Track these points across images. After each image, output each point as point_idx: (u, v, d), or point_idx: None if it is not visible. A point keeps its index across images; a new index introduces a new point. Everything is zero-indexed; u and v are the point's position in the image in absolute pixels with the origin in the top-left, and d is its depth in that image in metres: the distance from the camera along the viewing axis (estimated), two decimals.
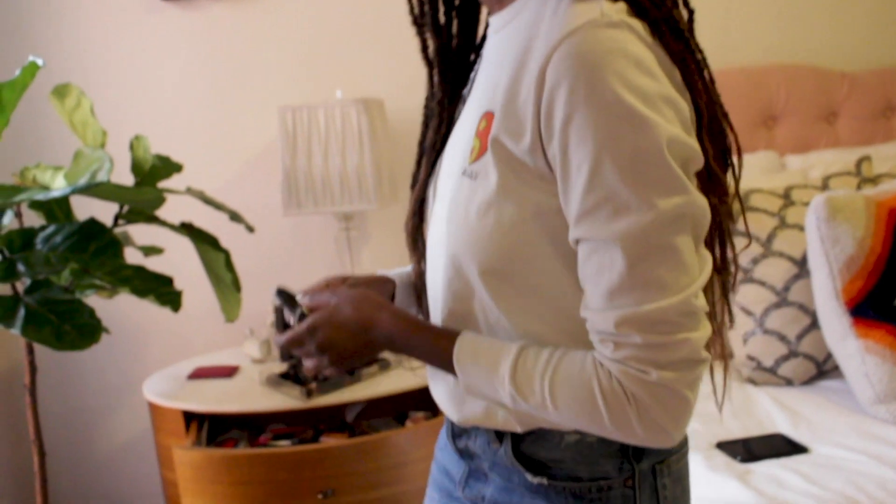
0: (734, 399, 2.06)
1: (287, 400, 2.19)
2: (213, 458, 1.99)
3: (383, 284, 1.16)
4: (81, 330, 1.86)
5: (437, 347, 0.94)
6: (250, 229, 2.23)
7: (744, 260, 2.17)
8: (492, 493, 1.01)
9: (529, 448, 0.96)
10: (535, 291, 0.90)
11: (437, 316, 1.02)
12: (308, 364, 1.02)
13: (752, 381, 2.16)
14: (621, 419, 0.82)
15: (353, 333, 0.96)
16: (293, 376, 2.27)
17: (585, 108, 0.78)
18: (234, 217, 2.19)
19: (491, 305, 0.93)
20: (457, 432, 1.06)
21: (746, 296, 2.16)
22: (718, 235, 0.94)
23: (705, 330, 0.82)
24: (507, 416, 0.95)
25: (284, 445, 2.23)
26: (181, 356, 2.71)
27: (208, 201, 2.15)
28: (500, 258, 0.89)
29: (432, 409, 2.40)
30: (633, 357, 0.81)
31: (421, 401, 2.40)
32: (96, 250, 1.87)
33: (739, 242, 1.03)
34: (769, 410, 1.99)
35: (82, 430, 2.76)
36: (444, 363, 0.94)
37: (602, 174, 0.78)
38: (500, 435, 0.98)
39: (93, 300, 2.30)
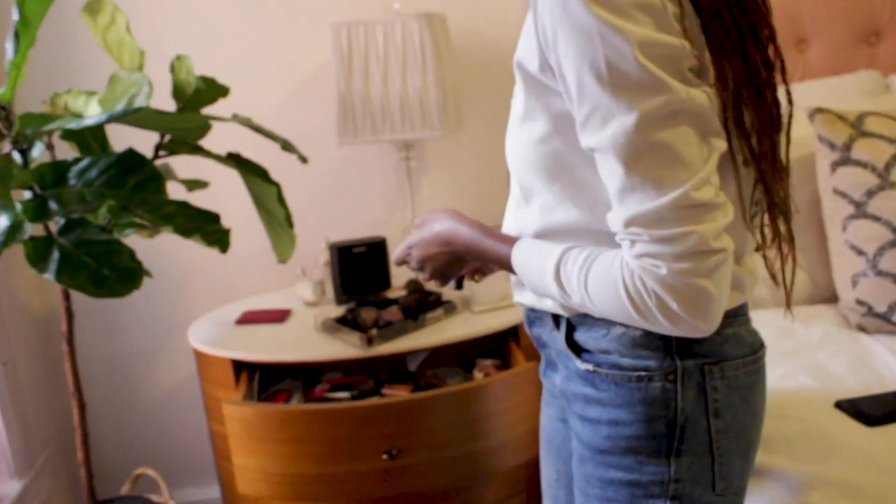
0: (847, 350, 1.83)
1: (345, 348, 2.00)
2: (266, 413, 1.81)
3: None
4: (121, 274, 1.68)
5: (501, 253, 1.05)
6: (303, 160, 2.02)
7: (856, 192, 1.92)
8: (560, 381, 1.10)
9: (581, 337, 1.03)
10: (581, 190, 0.98)
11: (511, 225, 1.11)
12: (419, 277, 1.21)
13: (863, 329, 1.93)
14: (646, 313, 0.86)
15: (440, 246, 1.11)
16: (351, 321, 2.08)
17: (561, 27, 0.84)
18: (286, 146, 1.99)
19: (549, 207, 1.01)
20: (530, 319, 1.15)
21: (858, 233, 1.91)
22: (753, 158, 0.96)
23: (714, 221, 0.84)
24: (555, 303, 1.03)
25: (343, 398, 2.05)
26: (228, 299, 2.52)
27: (257, 129, 1.94)
28: (544, 167, 0.99)
29: (500, 356, 2.20)
30: (645, 253, 0.85)
31: (488, 348, 2.20)
32: (136, 185, 1.68)
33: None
34: (888, 363, 1.75)
35: (124, 380, 2.60)
36: (508, 266, 1.04)
37: (585, 86, 0.85)
38: (557, 322, 1.06)
39: (132, 240, 2.10)
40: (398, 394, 2.02)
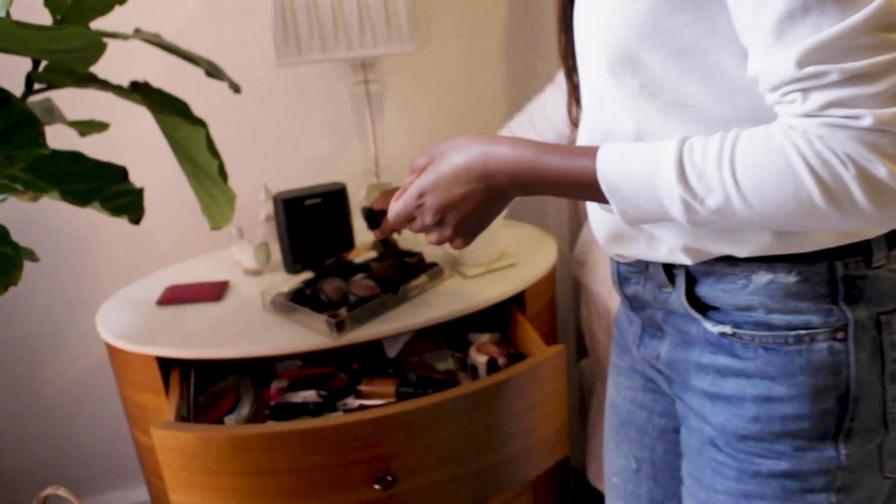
0: None
1: (306, 335, 1.52)
2: (212, 440, 1.33)
3: None
4: None
5: (574, 168, 0.76)
6: (235, 88, 1.50)
7: None
8: (667, 351, 0.90)
9: (708, 292, 0.82)
10: (693, 60, 0.73)
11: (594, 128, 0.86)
12: (430, 238, 0.87)
13: None
14: (838, 193, 0.63)
15: (470, 183, 0.81)
16: (311, 298, 1.59)
17: None
18: (211, 71, 1.46)
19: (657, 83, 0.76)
20: (623, 275, 0.94)
21: None
22: None
23: None
24: (673, 246, 0.82)
25: (310, 400, 1.57)
26: (145, 269, 1.99)
27: (171, 49, 1.42)
28: (653, 32, 0.73)
29: (499, 327, 1.75)
30: (833, 102, 0.63)
31: (483, 320, 1.74)
32: (1, 134, 1.14)
33: None
34: None
35: (20, 375, 2.07)
36: (587, 187, 0.75)
37: None
38: (671, 275, 0.85)
39: (8, 208, 1.55)
40: (381, 391, 1.56)
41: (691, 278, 0.84)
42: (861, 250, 0.77)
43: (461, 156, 0.82)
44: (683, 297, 0.84)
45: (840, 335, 0.77)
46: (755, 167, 0.66)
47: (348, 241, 1.80)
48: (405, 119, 2.07)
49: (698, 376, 0.85)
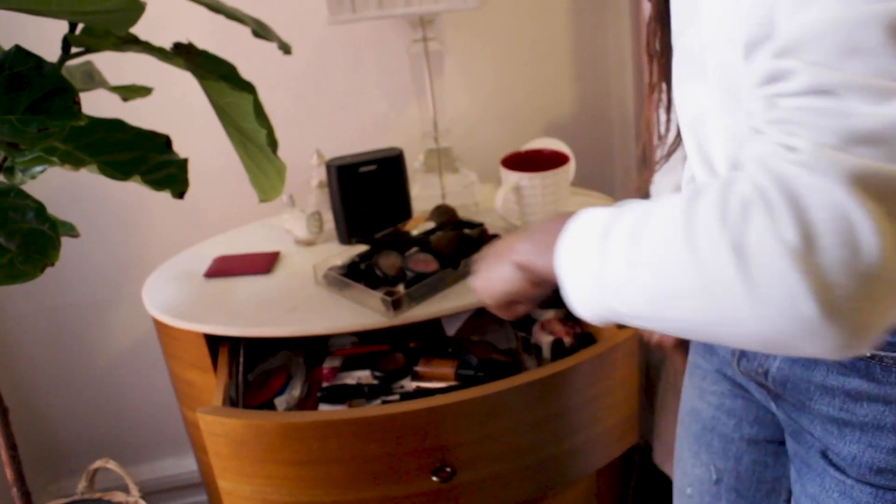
0: None
1: (360, 313, 1.44)
2: (260, 428, 1.25)
3: None
4: (25, 244, 1.09)
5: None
6: (285, 49, 1.39)
7: None
8: (779, 368, 0.79)
9: None
10: None
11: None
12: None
13: None
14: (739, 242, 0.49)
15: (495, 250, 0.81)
16: (366, 273, 1.50)
17: None
18: (259, 30, 1.36)
19: None
20: None
21: None
22: None
23: None
24: None
25: (364, 381, 1.49)
26: (191, 238, 1.91)
27: (215, 8, 1.31)
28: None
29: (564, 304, 1.64)
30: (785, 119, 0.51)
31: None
32: (31, 105, 1.06)
33: None
34: None
35: (69, 345, 2.03)
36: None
37: None
38: None
39: (48, 179, 1.47)
40: (439, 373, 1.47)
41: None
42: None
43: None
44: None
45: None
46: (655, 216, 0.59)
47: (405, 211, 1.70)
48: (466, 79, 1.95)
49: (822, 399, 0.76)
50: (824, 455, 0.77)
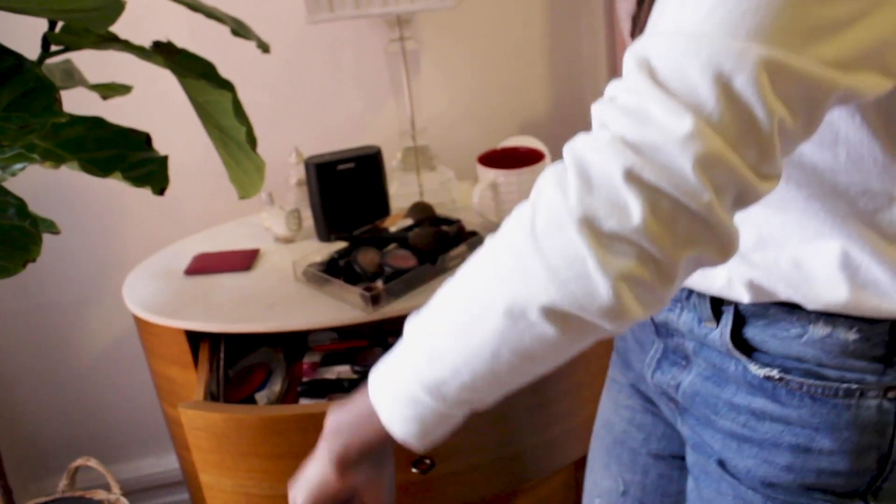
0: None
1: (340, 308, 1.46)
2: (241, 421, 1.27)
3: None
4: (6, 240, 1.11)
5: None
6: (264, 48, 1.41)
7: None
8: (691, 382, 0.82)
9: (757, 335, 0.75)
10: None
11: None
12: None
13: None
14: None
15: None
16: (345, 269, 1.52)
17: None
18: (238, 29, 1.38)
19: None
20: None
21: None
22: None
23: None
24: (734, 278, 0.74)
25: (344, 376, 1.51)
26: (172, 235, 1.92)
27: (194, 6, 1.33)
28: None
29: None
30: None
31: None
32: (12, 102, 1.08)
33: None
34: None
35: (48, 344, 2.03)
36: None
37: None
38: (717, 311, 0.77)
39: (27, 176, 1.48)
40: None
41: (740, 317, 0.77)
42: None
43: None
44: (728, 338, 0.77)
45: (891, 394, 0.72)
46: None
47: (383, 208, 1.72)
48: (443, 78, 1.97)
49: (728, 415, 0.79)
50: (721, 464, 0.81)
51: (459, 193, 1.85)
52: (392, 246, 1.57)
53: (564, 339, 0.59)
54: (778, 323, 0.74)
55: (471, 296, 0.62)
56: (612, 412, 1.03)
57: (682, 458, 0.95)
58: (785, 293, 0.73)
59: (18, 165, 1.33)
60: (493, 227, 1.66)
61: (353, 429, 0.70)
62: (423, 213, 1.66)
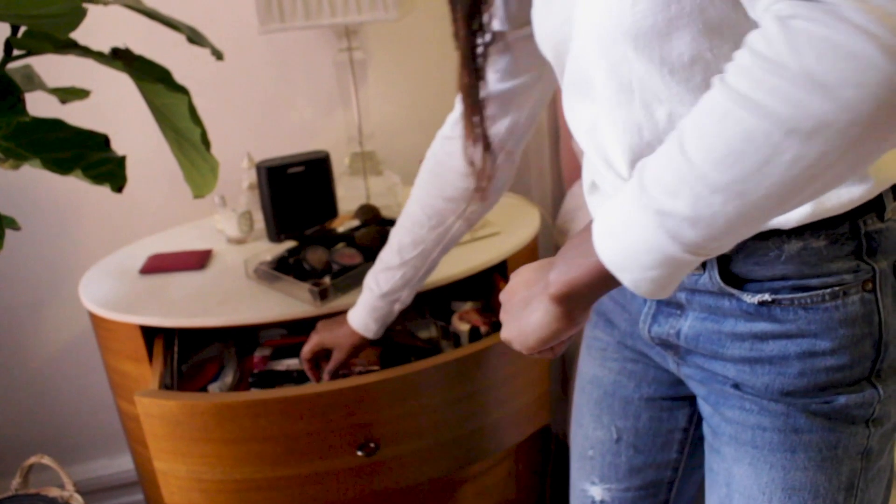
0: None
1: (289, 303, 1.53)
2: (196, 408, 1.33)
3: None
4: None
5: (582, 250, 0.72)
6: (217, 55, 1.48)
7: None
8: (690, 326, 0.89)
9: (742, 268, 0.82)
10: (720, 36, 0.69)
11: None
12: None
13: None
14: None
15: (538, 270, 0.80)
16: (294, 266, 1.60)
17: None
18: (193, 37, 1.45)
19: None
20: None
21: None
22: None
23: None
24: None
25: (293, 368, 1.58)
26: (127, 237, 1.98)
27: (152, 15, 1.40)
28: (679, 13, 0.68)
29: (481, 296, 1.76)
30: None
31: (465, 288, 1.75)
32: None
33: None
34: None
35: (2, 345, 2.06)
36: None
37: None
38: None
39: None
40: (364, 359, 1.57)
41: (722, 257, 0.83)
42: (874, 207, 0.79)
43: (521, 294, 0.81)
44: (718, 277, 0.84)
45: (868, 286, 0.81)
46: (728, 166, 0.59)
47: (331, 210, 1.80)
48: (389, 87, 2.06)
49: (734, 345, 0.86)
50: (737, 387, 0.89)
51: (405, 197, 1.92)
52: (340, 245, 1.64)
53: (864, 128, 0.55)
54: (757, 251, 0.81)
55: (739, 139, 0.57)
56: (599, 367, 1.09)
57: (672, 399, 1.04)
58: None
59: None
60: None
61: (590, 289, 0.74)
62: (369, 215, 1.74)
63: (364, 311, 1.34)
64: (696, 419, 1.06)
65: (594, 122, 0.84)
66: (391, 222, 1.72)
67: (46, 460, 1.87)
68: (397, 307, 1.34)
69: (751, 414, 0.88)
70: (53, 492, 1.86)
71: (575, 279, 0.73)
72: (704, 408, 0.96)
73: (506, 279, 1.69)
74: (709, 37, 0.70)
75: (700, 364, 0.92)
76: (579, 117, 0.88)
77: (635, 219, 0.65)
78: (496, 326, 1.61)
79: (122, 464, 2.22)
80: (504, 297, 0.83)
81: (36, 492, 1.86)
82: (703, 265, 0.84)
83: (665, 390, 1.05)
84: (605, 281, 0.71)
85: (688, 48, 0.71)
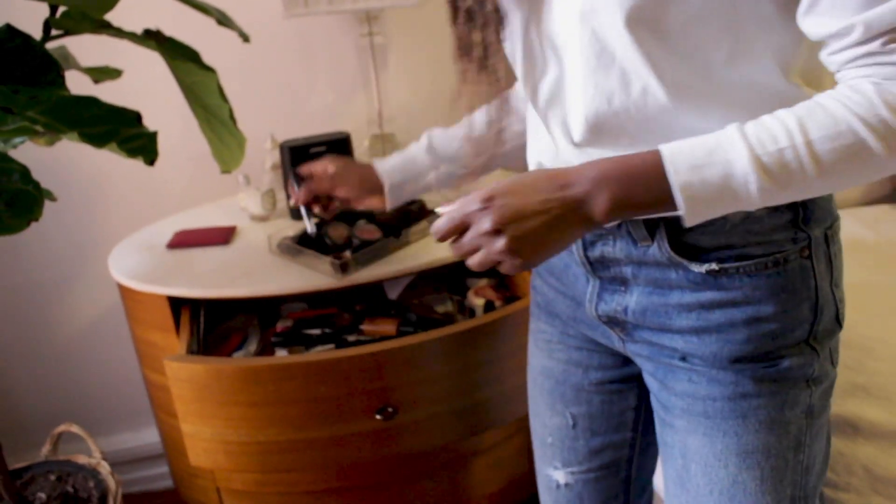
0: None
1: (311, 276, 1.59)
2: (222, 371, 1.40)
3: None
4: (12, 203, 1.23)
5: (647, 172, 0.76)
6: (244, 37, 1.54)
7: None
8: (637, 301, 0.92)
9: (689, 238, 0.86)
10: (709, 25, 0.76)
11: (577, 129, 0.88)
12: (475, 258, 0.82)
13: None
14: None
15: (548, 191, 0.78)
16: (316, 241, 1.66)
17: None
18: (222, 20, 1.51)
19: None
20: (587, 241, 0.93)
21: None
22: None
23: None
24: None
25: (314, 337, 1.64)
26: (154, 215, 2.05)
27: None
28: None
29: (497, 273, 1.82)
30: None
31: None
32: (23, 76, 1.20)
33: None
34: None
35: (34, 317, 2.14)
36: (665, 203, 0.76)
37: None
38: (651, 231, 0.87)
39: (25, 151, 1.61)
40: (382, 330, 1.63)
41: (674, 229, 0.87)
42: None
43: (541, 171, 0.80)
44: (667, 247, 0.87)
45: (805, 253, 0.86)
46: (833, 150, 0.71)
47: None
48: (408, 72, 2.12)
49: (681, 316, 0.90)
50: (684, 359, 0.92)
51: None
52: (360, 221, 1.70)
53: None
54: (705, 222, 0.84)
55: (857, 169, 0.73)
56: (548, 359, 1.13)
57: (620, 382, 1.08)
58: None
59: (19, 139, 1.46)
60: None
61: (640, 211, 0.78)
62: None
63: (399, 158, 1.27)
64: (645, 396, 1.09)
65: (559, 85, 0.89)
66: (410, 200, 1.78)
67: (75, 429, 1.94)
68: (432, 177, 1.26)
69: (700, 386, 0.92)
70: (81, 459, 1.93)
71: (634, 202, 0.77)
72: (652, 383, 0.99)
73: None
74: (697, 21, 0.76)
75: (647, 338, 0.95)
76: (540, 86, 0.91)
77: (738, 174, 0.73)
78: (510, 301, 1.66)
79: (147, 436, 2.29)
80: (510, 196, 0.79)
81: (66, 458, 1.93)
82: (653, 236, 0.87)
83: (612, 374, 1.08)
84: (662, 206, 0.77)
85: (679, 27, 0.77)
